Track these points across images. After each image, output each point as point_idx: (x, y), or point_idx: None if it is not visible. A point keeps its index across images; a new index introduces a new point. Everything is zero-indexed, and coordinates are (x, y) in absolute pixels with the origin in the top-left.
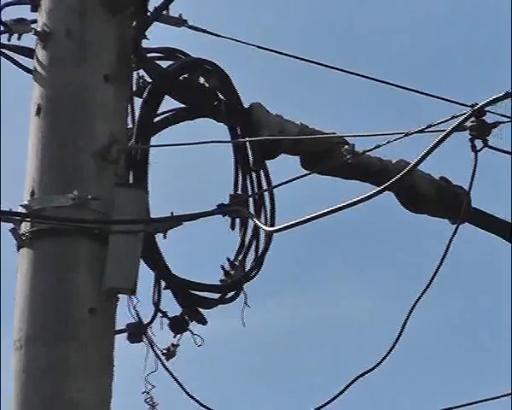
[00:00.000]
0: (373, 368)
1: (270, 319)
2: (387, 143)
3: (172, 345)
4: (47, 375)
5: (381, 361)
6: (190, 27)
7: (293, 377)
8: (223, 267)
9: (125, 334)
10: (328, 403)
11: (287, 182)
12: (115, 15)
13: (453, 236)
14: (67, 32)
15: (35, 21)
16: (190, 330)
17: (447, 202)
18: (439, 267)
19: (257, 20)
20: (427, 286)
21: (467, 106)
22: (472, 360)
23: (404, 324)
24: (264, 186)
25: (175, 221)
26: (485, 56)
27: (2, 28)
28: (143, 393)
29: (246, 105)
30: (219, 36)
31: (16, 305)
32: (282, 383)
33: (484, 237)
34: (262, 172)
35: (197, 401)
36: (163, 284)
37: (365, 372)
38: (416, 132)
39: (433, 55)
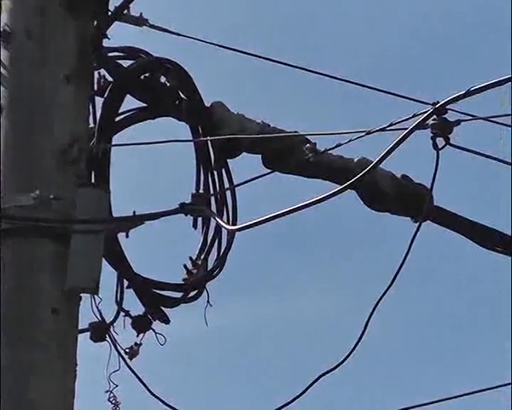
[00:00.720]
0: (335, 367)
1: (234, 318)
2: (349, 141)
3: (135, 344)
4: (9, 375)
5: (343, 360)
6: (151, 27)
7: (257, 377)
8: (185, 266)
9: (88, 333)
10: (290, 403)
11: (248, 181)
12: (75, 15)
13: (415, 234)
14: (28, 32)
15: None
16: (153, 330)
17: (409, 200)
18: (401, 266)
19: (220, 19)
20: (390, 285)
21: (428, 104)
22: (436, 357)
23: (367, 322)
24: (226, 185)
25: (137, 220)
26: (448, 54)
27: None
28: (106, 392)
29: (207, 104)
30: (180, 35)
31: None
32: (245, 383)
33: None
34: (224, 171)
35: (160, 399)
36: (126, 283)
37: (328, 371)
38: (378, 131)
39: (396, 54)
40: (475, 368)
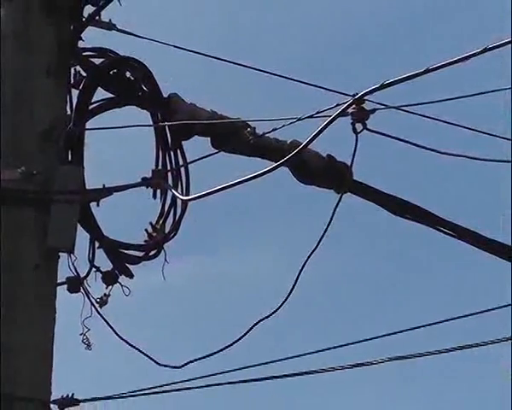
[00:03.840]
0: (270, 315)
1: (187, 274)
2: (283, 126)
3: (105, 295)
4: None
5: (277, 309)
6: (118, 30)
7: (203, 324)
8: (146, 230)
9: (65, 286)
10: (230, 346)
11: (199, 159)
12: (54, 21)
13: (338, 203)
14: (15, 33)
15: None
16: (120, 283)
17: (333, 175)
18: (326, 230)
19: (177, 22)
20: (316, 246)
21: (349, 95)
22: (356, 306)
23: (298, 275)
24: (181, 162)
25: (106, 192)
26: (367, 52)
27: None
28: (80, 335)
29: (165, 95)
30: (141, 37)
31: None
32: (192, 329)
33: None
34: (179, 151)
35: (126, 341)
36: (97, 244)
37: (263, 318)
38: (307, 117)
39: (323, 52)
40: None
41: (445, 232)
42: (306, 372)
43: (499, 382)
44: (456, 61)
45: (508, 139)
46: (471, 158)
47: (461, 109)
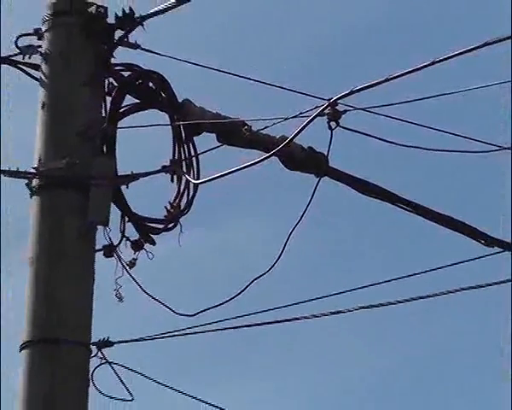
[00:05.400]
0: (264, 273)
1: (198, 241)
2: (273, 124)
3: (133, 259)
4: (47, 281)
5: (269, 269)
6: (142, 49)
7: (212, 281)
8: (166, 208)
9: (102, 252)
10: (232, 298)
11: (207, 151)
12: (91, 42)
13: (317, 185)
14: (60, 53)
15: (40, 46)
16: (145, 249)
17: (313, 163)
18: (307, 207)
19: (189, 39)
20: (300, 218)
21: (325, 99)
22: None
23: (285, 243)
24: (193, 154)
25: (134, 177)
26: (341, 61)
27: (18, 51)
28: (114, 290)
29: (180, 100)
30: (159, 54)
31: (30, 233)
32: (205, 286)
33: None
34: (191, 145)
35: (150, 295)
36: (126, 219)
37: (259, 276)
38: (292, 117)
39: (305, 61)
40: None
41: (400, 206)
42: (296, 318)
43: (499, 381)
44: (404, 73)
45: (459, 136)
46: (420, 148)
47: (426, 109)
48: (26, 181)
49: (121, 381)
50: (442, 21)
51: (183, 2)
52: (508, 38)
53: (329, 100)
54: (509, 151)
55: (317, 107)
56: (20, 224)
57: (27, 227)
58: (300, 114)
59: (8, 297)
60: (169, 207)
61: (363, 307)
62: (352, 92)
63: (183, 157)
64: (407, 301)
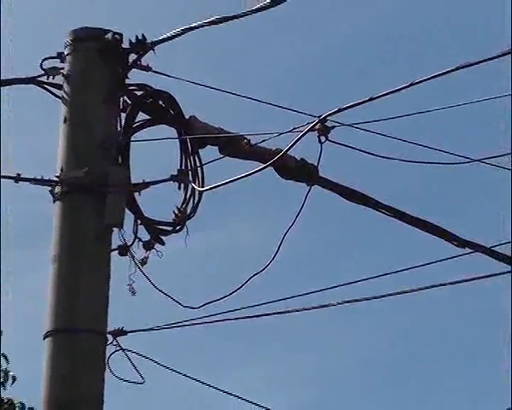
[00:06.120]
0: (261, 270)
1: (202, 242)
2: (269, 138)
3: (145, 257)
4: (68, 276)
5: (267, 265)
6: (153, 71)
7: (215, 277)
8: (174, 212)
9: (117, 251)
10: (234, 292)
11: (211, 161)
12: (107, 64)
13: (308, 192)
14: (80, 74)
15: (62, 68)
16: (155, 249)
17: (304, 172)
18: (299, 211)
19: (193, 61)
20: (294, 221)
21: (316, 116)
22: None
23: (280, 243)
24: (198, 164)
25: (145, 185)
26: (329, 81)
27: (43, 72)
28: (127, 285)
29: (186, 116)
30: (168, 75)
31: (53, 233)
32: (209, 281)
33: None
34: (196, 156)
35: (159, 289)
36: (139, 221)
37: (257, 273)
38: (286, 132)
39: (297, 80)
40: None
41: (382, 211)
42: (298, 310)
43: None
44: (386, 94)
45: (438, 150)
46: (398, 160)
47: (407, 123)
48: (50, 188)
49: (133, 366)
50: (426, 39)
51: (186, 31)
52: (482, 60)
53: (319, 117)
54: (478, 163)
55: (308, 123)
56: (44, 226)
57: (50, 229)
58: (294, 129)
59: (34, 291)
60: (176, 212)
61: (346, 302)
62: (339, 110)
63: (189, 167)
64: (383, 296)
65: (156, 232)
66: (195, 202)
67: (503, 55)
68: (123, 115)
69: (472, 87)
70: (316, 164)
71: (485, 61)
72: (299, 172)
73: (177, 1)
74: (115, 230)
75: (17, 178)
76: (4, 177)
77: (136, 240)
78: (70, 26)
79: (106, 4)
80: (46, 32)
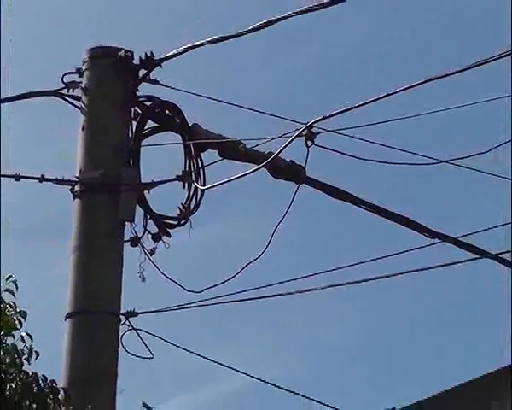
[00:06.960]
0: (255, 259)
1: (204, 235)
2: (262, 143)
3: (153, 248)
4: (86, 265)
5: (260, 254)
6: (160, 84)
7: (216, 266)
8: (179, 208)
9: (129, 243)
10: (231, 278)
11: (211, 163)
12: (120, 77)
13: (296, 190)
14: (96, 87)
15: (81, 82)
16: (162, 240)
17: (293, 172)
18: (289, 207)
19: (195, 74)
20: (283, 216)
21: (303, 123)
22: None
23: (272, 235)
24: (200, 166)
25: (154, 184)
26: (318, 90)
27: (64, 86)
28: (138, 273)
29: (190, 124)
30: (173, 88)
31: (73, 227)
32: (210, 269)
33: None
34: (199, 159)
35: (166, 275)
36: (148, 216)
37: (251, 261)
38: (277, 137)
39: (286, 91)
40: None
41: (363, 207)
42: (289, 293)
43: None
44: (366, 103)
45: (407, 152)
46: (375, 161)
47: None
48: (70, 187)
49: (144, 343)
50: (411, 50)
51: (190, 49)
52: (449, 74)
53: (306, 124)
54: (446, 164)
55: (296, 129)
56: (66, 220)
57: (70, 223)
58: (284, 134)
59: (57, 278)
60: (181, 208)
61: (330, 286)
62: (324, 118)
63: (192, 169)
64: (365, 281)
65: (163, 226)
66: (198, 199)
67: (503, 56)
68: (134, 123)
69: (436, 99)
70: (303, 165)
71: (486, 62)
72: (289, 172)
73: (186, 19)
74: (127, 224)
75: (41, 179)
76: (30, 177)
77: (146, 232)
78: (84, 42)
79: (112, 20)
80: (66, 50)
